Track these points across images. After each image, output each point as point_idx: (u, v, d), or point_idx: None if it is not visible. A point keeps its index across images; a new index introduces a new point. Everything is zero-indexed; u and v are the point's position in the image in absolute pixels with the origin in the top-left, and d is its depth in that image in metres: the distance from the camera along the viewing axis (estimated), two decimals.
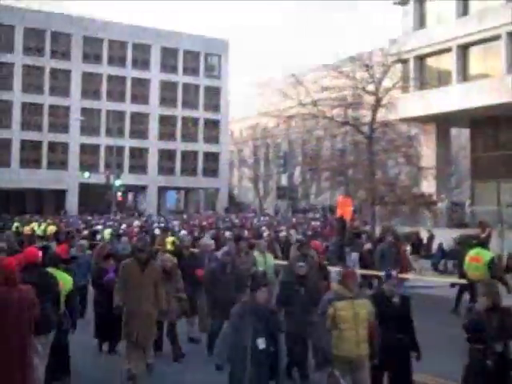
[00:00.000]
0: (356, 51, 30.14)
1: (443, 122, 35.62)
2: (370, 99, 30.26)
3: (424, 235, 26.51)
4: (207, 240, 16.44)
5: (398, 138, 30.69)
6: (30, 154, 63.45)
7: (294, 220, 39.56)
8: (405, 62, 33.01)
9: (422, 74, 34.95)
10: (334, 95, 30.81)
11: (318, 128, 57.89)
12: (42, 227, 36.39)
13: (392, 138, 30.39)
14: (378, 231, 29.05)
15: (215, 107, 72.25)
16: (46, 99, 63.54)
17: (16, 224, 40.44)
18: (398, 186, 29.71)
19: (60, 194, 65.65)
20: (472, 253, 14.54)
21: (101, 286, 11.83)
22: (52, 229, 34.64)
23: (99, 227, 34.18)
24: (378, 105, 28.64)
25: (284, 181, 48.46)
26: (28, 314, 7.27)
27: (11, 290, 7.23)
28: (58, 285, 9.03)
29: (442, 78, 34.17)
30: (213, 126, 72.24)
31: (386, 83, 29.02)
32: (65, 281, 9.75)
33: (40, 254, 9.48)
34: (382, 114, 29.93)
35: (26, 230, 35.75)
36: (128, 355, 9.50)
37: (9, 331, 7.15)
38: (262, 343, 6.91)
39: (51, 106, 63.84)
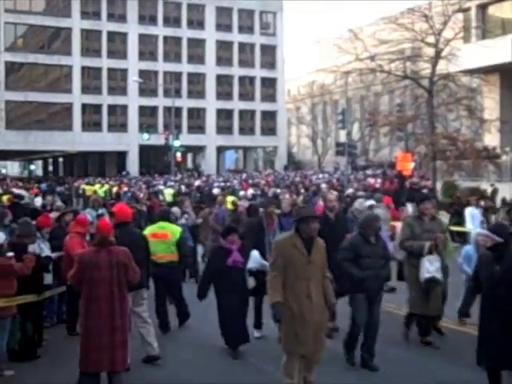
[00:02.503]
0: (415, 2, 29.38)
1: (507, 72, 34.50)
2: (429, 51, 29.62)
3: (487, 189, 25.96)
4: (363, 202, 13.22)
5: (459, 91, 30.01)
6: (91, 117, 64.44)
7: (352, 177, 39.27)
8: (466, 10, 31.97)
9: (485, 22, 33.84)
10: (393, 49, 30.29)
11: (376, 83, 57.08)
12: (104, 188, 37.29)
13: (453, 90, 29.74)
14: (438, 186, 28.68)
15: (271, 65, 71.68)
16: (104, 62, 64.20)
17: (83, 186, 41.55)
18: (459, 139, 29.08)
19: (121, 156, 66.73)
20: None
21: (223, 272, 8.93)
22: (117, 190, 35.57)
23: (161, 187, 34.73)
24: (438, 57, 28.03)
25: (342, 138, 47.94)
26: (119, 275, 7.23)
27: (101, 250, 7.26)
28: (147, 245, 9.14)
29: (506, 26, 33.01)
30: (269, 84, 71.78)
31: (447, 34, 28.29)
32: (174, 231, 10.59)
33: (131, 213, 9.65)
34: (442, 66, 29.28)
35: (89, 191, 36.91)
36: (290, 370, 6.93)
37: (99, 292, 7.17)
38: None
39: (109, 69, 64.47)
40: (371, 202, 13.31)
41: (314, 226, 6.92)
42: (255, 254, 8.99)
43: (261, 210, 11.84)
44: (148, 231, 10.49)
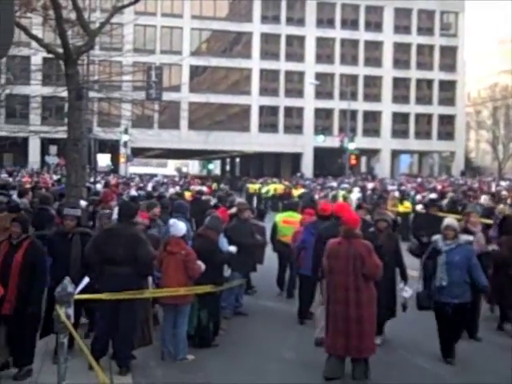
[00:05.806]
0: None
1: None
2: None
3: None
4: None
5: None
6: (268, 119, 66.02)
7: None
8: None
9: None
10: None
11: None
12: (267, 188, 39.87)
13: None
14: None
15: (451, 67, 69.46)
16: (282, 65, 65.53)
17: (248, 185, 43.86)
18: None
19: (296, 157, 67.78)
20: None
21: None
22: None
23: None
24: None
25: None
26: (355, 267, 7.64)
27: (344, 241, 7.79)
28: None
29: None
30: (448, 87, 69.61)
31: None
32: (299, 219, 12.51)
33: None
34: None
35: (251, 189, 40.81)
36: None
37: (337, 280, 7.74)
38: None
39: (287, 72, 65.71)
40: None
41: None
42: None
43: None
44: (280, 218, 13.16)
